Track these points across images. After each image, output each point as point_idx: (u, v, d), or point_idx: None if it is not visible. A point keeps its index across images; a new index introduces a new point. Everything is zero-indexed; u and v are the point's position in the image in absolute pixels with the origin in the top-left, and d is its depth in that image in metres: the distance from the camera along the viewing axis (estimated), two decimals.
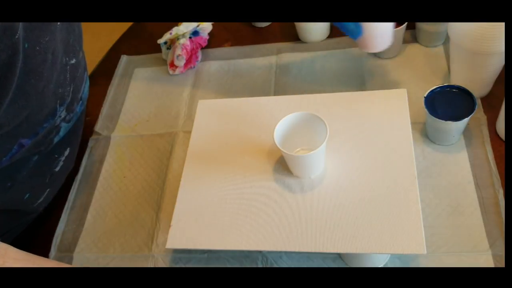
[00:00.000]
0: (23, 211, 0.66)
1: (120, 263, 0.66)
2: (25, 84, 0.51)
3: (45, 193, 0.67)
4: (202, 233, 0.58)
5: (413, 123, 0.66)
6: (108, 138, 0.82)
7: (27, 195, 0.63)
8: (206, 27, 0.90)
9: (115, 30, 1.10)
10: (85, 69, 0.69)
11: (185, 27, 0.87)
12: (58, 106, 0.59)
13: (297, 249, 0.54)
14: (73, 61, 0.61)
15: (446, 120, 0.61)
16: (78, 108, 0.67)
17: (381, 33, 0.60)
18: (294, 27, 0.88)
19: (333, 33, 0.87)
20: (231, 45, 0.92)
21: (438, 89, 0.65)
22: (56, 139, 0.64)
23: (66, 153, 0.69)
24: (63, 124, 0.64)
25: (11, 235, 0.70)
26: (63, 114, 0.62)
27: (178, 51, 0.85)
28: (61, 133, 0.65)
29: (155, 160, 0.77)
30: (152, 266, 0.65)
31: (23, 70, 0.50)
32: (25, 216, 0.68)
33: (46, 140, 0.61)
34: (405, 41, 0.81)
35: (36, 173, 0.63)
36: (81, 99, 0.68)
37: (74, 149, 0.72)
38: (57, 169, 0.68)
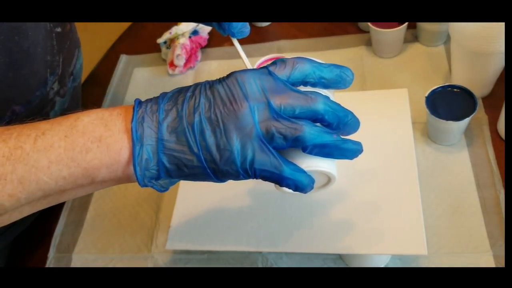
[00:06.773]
0: None
1: (120, 264, 0.66)
2: (8, 41, 0.53)
3: None
4: (202, 233, 0.58)
5: (414, 123, 0.65)
6: None
7: None
8: (206, 26, 0.90)
9: (114, 29, 1.10)
10: (76, 45, 0.69)
11: (185, 27, 0.87)
12: (48, 75, 0.60)
13: (297, 250, 0.54)
14: (59, 29, 0.62)
15: (447, 120, 0.61)
16: (70, 84, 0.67)
17: None
18: (294, 27, 0.88)
19: (333, 33, 0.87)
20: (231, 45, 0.91)
21: (439, 89, 0.64)
22: (52, 115, 0.64)
23: None
24: (58, 99, 0.64)
25: (12, 232, 0.69)
26: (55, 87, 0.62)
27: (178, 51, 0.85)
28: (57, 108, 0.65)
29: None
30: (151, 267, 0.65)
31: (7, 26, 0.52)
32: None
33: (41, 113, 0.62)
34: (406, 41, 0.80)
35: None
36: (72, 74, 0.68)
37: None
38: None
